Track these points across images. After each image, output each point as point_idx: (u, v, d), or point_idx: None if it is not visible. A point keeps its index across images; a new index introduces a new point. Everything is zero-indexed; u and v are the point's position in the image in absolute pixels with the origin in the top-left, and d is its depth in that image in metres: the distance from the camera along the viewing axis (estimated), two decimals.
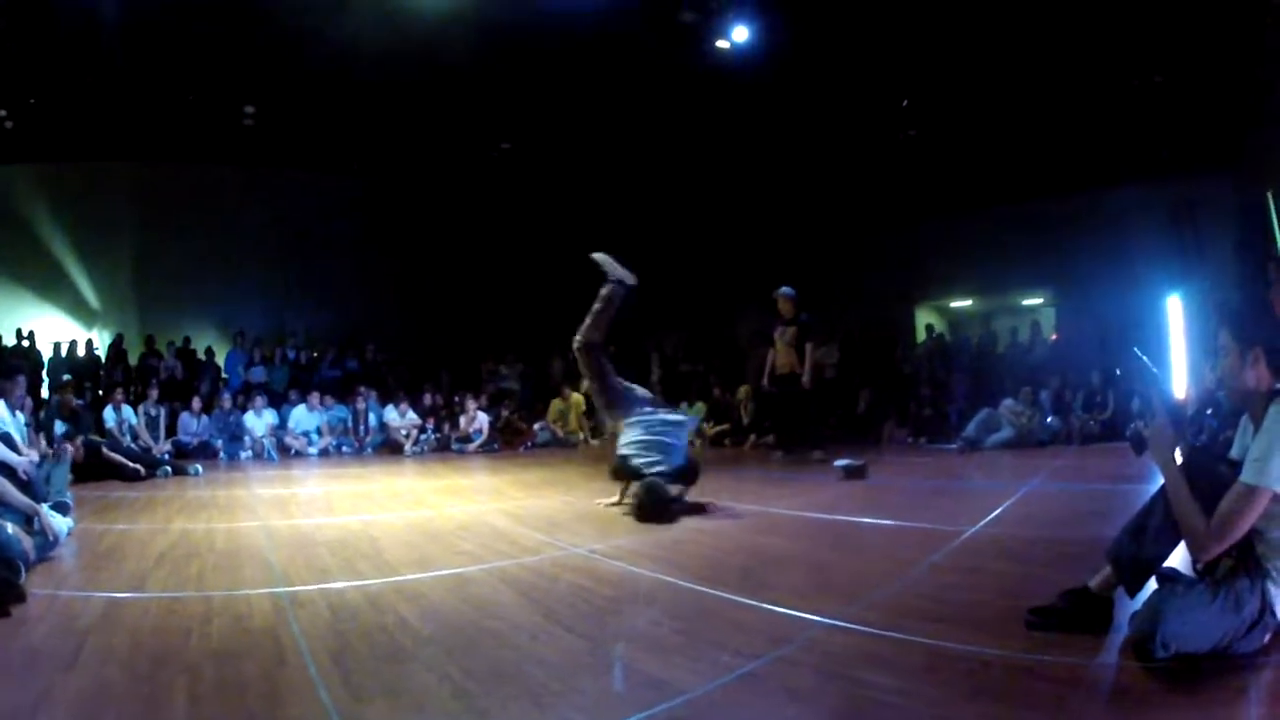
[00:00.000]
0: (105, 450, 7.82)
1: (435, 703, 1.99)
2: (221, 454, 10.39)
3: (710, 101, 12.02)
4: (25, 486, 4.05)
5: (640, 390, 5.62)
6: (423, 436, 11.39)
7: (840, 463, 6.57)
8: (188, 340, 13.54)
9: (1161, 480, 2.27)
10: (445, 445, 11.36)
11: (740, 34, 10.03)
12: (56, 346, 12.77)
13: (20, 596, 2.85)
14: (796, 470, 7.69)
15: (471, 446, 11.18)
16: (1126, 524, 2.39)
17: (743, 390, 11.67)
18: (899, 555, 3.60)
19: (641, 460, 4.97)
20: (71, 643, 2.43)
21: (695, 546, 3.97)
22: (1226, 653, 2.04)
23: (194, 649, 2.39)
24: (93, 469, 7.50)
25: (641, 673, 2.20)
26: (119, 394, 10.08)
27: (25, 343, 12.53)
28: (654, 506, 4.67)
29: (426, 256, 15.47)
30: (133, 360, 13.00)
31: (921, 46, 10.41)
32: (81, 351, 12.87)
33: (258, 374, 12.83)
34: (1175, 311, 10.44)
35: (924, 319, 15.63)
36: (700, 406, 12.24)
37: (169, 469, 8.15)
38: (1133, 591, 2.31)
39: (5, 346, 12.29)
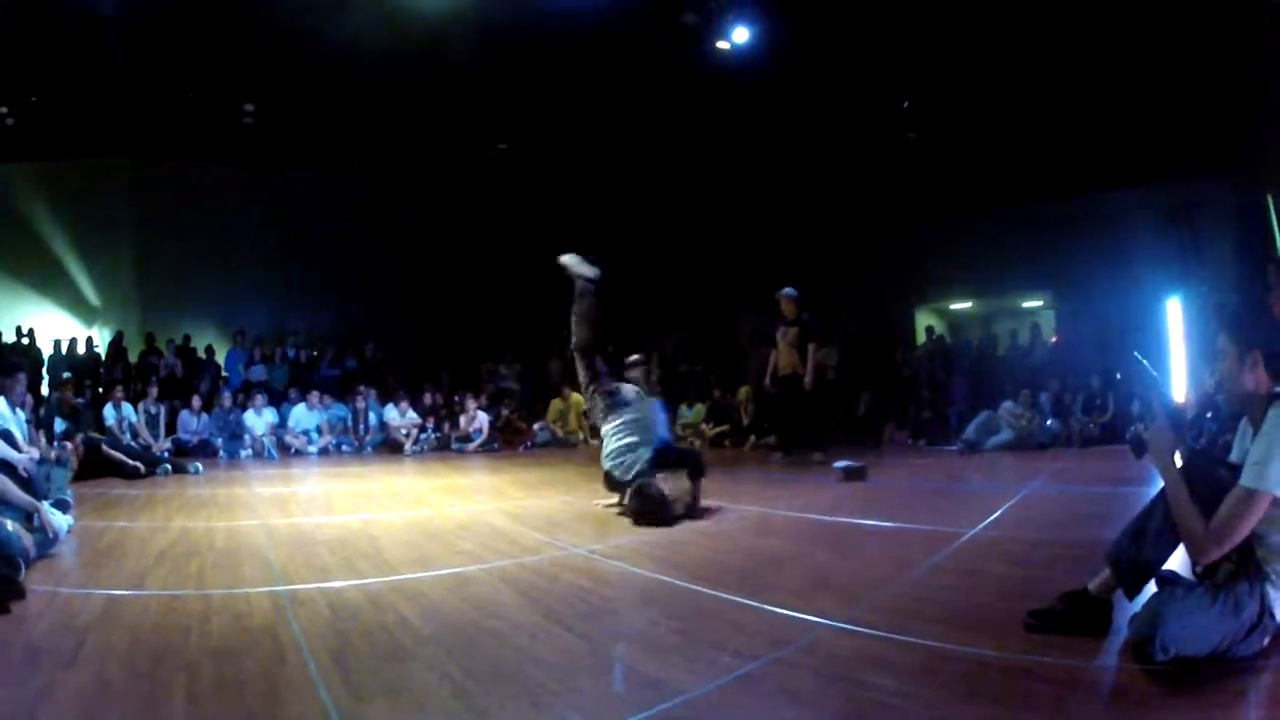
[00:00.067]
0: (105, 448, 7.83)
1: (435, 702, 1.99)
2: (221, 452, 10.39)
3: (710, 103, 12.02)
4: (26, 484, 4.05)
5: (626, 391, 5.47)
6: (423, 436, 11.39)
7: (840, 464, 6.57)
8: (188, 338, 13.53)
9: (1161, 483, 2.27)
10: (445, 445, 11.36)
11: (740, 35, 10.02)
12: (56, 344, 12.78)
13: (20, 593, 2.85)
14: (796, 471, 7.69)
15: (471, 446, 11.18)
16: (1126, 527, 2.39)
17: (743, 391, 11.67)
18: (899, 557, 3.61)
19: (620, 469, 4.94)
20: (71, 640, 2.43)
21: (695, 547, 3.97)
22: (1226, 656, 2.04)
23: (193, 647, 2.39)
24: (93, 466, 7.51)
25: (640, 673, 2.20)
26: (119, 392, 10.07)
27: (25, 340, 12.53)
28: (646, 509, 4.63)
29: (426, 256, 15.47)
30: (133, 358, 12.99)
31: (922, 49, 10.41)
32: (81, 349, 12.88)
33: (258, 372, 12.84)
34: (1174, 314, 10.44)
35: (924, 321, 15.63)
36: (700, 408, 12.23)
37: (169, 467, 8.15)
38: (1132, 594, 2.31)
39: (5, 344, 12.29)
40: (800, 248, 14.98)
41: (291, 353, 13.66)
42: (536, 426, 12.25)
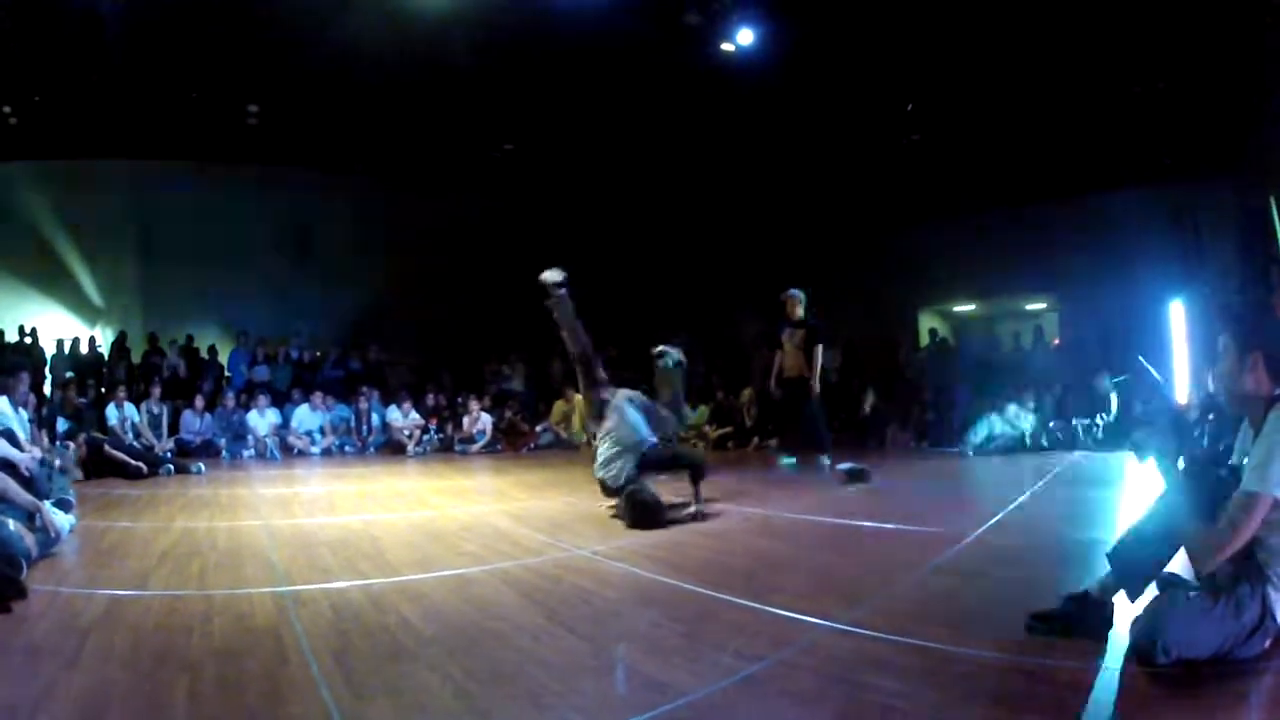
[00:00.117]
0: (108, 448, 7.82)
1: (436, 702, 2.00)
2: (224, 453, 10.40)
3: (714, 104, 12.02)
4: (28, 483, 4.06)
5: (617, 398, 5.37)
6: (425, 437, 11.39)
7: (843, 466, 6.58)
8: (191, 338, 13.55)
9: (1163, 486, 2.27)
10: (448, 446, 11.37)
11: (745, 37, 10.02)
12: (59, 343, 12.80)
13: (22, 593, 2.86)
14: (799, 473, 7.69)
15: (474, 447, 11.19)
16: (1128, 529, 2.39)
17: (746, 393, 11.66)
18: (901, 559, 3.60)
19: (611, 476, 4.93)
20: (73, 640, 2.43)
21: (697, 549, 3.97)
22: (1227, 658, 2.04)
23: (196, 647, 2.40)
24: (95, 466, 7.52)
25: (642, 674, 2.21)
26: (122, 392, 10.09)
27: (28, 340, 12.54)
28: (637, 514, 4.62)
29: (430, 256, 15.45)
30: (136, 358, 12.99)
31: (925, 51, 10.40)
32: (84, 349, 12.90)
33: (261, 373, 12.85)
34: (1177, 316, 10.43)
35: (927, 323, 15.61)
36: (703, 409, 12.22)
37: (171, 467, 8.14)
38: (1134, 596, 2.31)
39: (8, 343, 12.31)
40: (803, 249, 14.98)
41: (295, 353, 13.68)
42: (540, 428, 12.25)
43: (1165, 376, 7.10)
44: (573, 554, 3.86)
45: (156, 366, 12.57)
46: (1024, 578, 3.16)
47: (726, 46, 10.16)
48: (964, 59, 10.52)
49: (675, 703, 1.95)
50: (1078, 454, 8.97)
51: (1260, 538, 2.08)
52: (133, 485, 7.13)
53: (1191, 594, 2.12)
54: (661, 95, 11.95)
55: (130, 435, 9.47)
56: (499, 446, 11.45)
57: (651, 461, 4.92)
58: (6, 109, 11.79)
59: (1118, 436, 9.15)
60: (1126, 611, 2.33)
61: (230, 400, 11.15)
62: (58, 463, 5.86)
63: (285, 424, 11.16)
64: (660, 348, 5.68)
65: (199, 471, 8.20)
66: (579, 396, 11.88)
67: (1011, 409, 9.58)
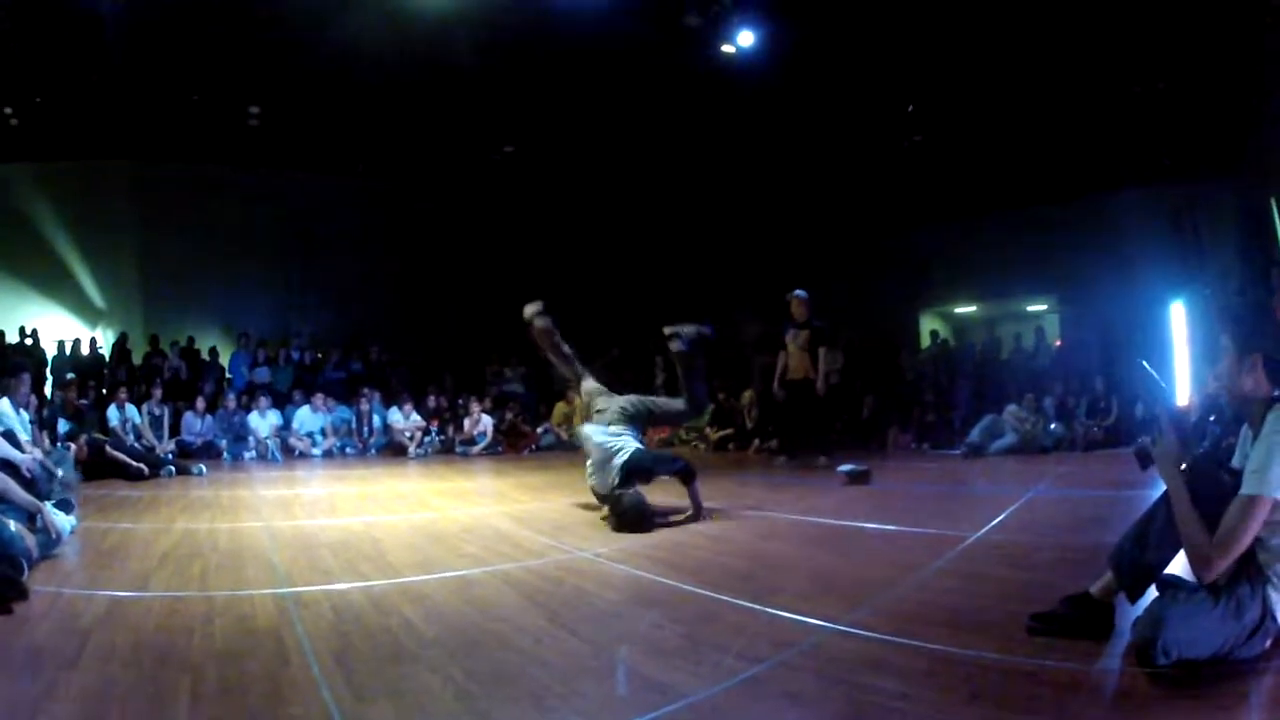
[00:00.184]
0: (109, 449, 7.83)
1: (437, 704, 2.00)
2: (225, 454, 10.39)
3: (714, 106, 12.02)
4: (29, 484, 4.06)
5: (607, 406, 5.41)
6: (426, 439, 11.38)
7: (844, 468, 6.57)
8: (192, 340, 13.56)
9: (1164, 487, 2.27)
10: (449, 448, 11.36)
11: (745, 39, 10.03)
12: (60, 345, 12.82)
13: (23, 594, 2.86)
14: (800, 475, 7.69)
15: (475, 449, 11.19)
16: (1128, 530, 2.39)
17: (747, 395, 11.65)
18: (902, 560, 3.60)
19: (599, 483, 4.92)
20: (74, 641, 2.43)
21: (698, 550, 3.97)
22: (1228, 659, 2.03)
23: (197, 648, 2.40)
24: (96, 468, 7.53)
25: (644, 676, 2.20)
26: (123, 393, 10.07)
27: (29, 341, 12.56)
28: (620, 520, 4.60)
29: (431, 258, 15.47)
30: (137, 359, 13.01)
31: (926, 52, 10.41)
32: (85, 350, 12.92)
33: (262, 374, 12.85)
34: (1178, 317, 10.42)
35: (928, 325, 15.62)
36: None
37: (172, 468, 8.14)
38: (1134, 597, 2.31)
39: (9, 344, 12.32)
40: (805, 251, 14.97)
41: (296, 355, 13.69)
42: (541, 430, 12.24)
43: (1166, 379, 7.10)
44: (574, 556, 3.86)
45: (158, 368, 12.58)
46: (1024, 579, 3.15)
47: (727, 48, 10.17)
48: (964, 61, 10.53)
49: (676, 704, 1.95)
50: (1078, 455, 8.97)
51: (1261, 538, 2.08)
52: (134, 486, 7.13)
53: (1192, 595, 2.12)
54: (662, 97, 11.96)
55: (131, 437, 9.47)
56: (500, 448, 11.45)
57: (634, 470, 4.89)
58: (8, 110, 11.81)
59: (1119, 437, 9.18)
60: (1127, 613, 2.33)
61: (231, 402, 11.14)
62: (59, 473, 5.86)
63: (286, 425, 11.16)
64: (670, 328, 5.54)
65: (200, 473, 8.20)
66: (579, 399, 11.90)
67: (1012, 410, 9.57)
